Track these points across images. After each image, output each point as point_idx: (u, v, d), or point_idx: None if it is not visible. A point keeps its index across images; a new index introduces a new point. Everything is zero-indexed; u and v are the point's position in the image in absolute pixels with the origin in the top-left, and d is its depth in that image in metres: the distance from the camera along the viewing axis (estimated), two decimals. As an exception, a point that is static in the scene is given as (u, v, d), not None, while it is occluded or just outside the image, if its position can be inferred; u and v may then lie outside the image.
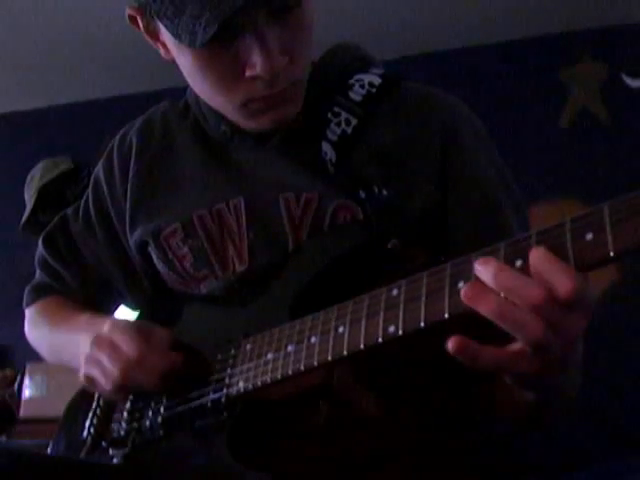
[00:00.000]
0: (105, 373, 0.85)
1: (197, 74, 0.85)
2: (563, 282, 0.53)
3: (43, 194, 2.77)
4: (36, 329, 1.08)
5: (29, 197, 2.81)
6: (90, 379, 0.88)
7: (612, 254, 0.51)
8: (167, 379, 0.84)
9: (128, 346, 0.84)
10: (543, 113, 2.59)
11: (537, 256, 0.54)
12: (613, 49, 2.56)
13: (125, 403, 0.91)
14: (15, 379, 2.57)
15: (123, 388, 0.85)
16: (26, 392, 2.47)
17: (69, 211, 1.10)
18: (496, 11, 2.48)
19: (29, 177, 2.85)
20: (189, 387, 0.84)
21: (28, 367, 2.48)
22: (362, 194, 0.85)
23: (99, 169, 1.06)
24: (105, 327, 0.88)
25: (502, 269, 0.56)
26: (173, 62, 0.88)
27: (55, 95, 2.97)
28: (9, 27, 2.48)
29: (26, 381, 2.48)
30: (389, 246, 0.82)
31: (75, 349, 0.92)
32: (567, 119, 2.58)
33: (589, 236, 0.53)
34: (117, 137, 1.05)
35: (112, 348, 0.85)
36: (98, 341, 0.87)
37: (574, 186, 2.37)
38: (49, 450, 0.99)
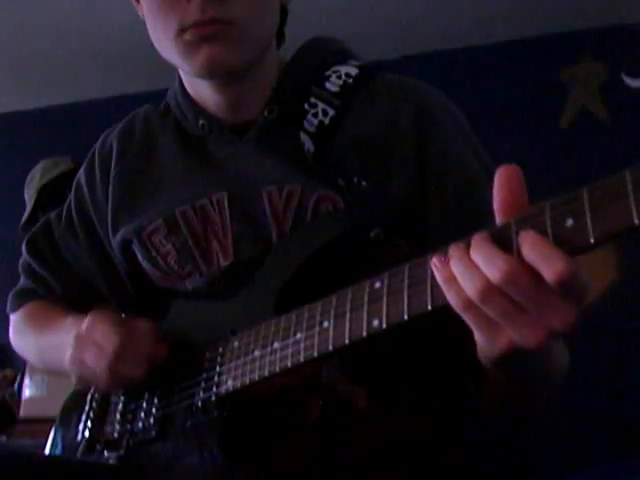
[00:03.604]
0: (93, 370, 0.85)
1: (148, 8, 0.87)
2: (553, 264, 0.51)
3: (43, 194, 2.77)
4: (21, 335, 1.08)
5: (29, 197, 2.81)
6: (82, 379, 0.88)
7: (592, 241, 0.50)
8: (153, 368, 0.84)
9: (109, 341, 0.84)
10: (543, 113, 2.59)
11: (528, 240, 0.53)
12: (613, 49, 2.56)
13: (118, 405, 0.91)
14: (15, 379, 2.57)
15: (113, 381, 0.85)
16: (26, 392, 2.47)
17: (52, 216, 1.10)
18: (496, 11, 2.48)
19: (29, 177, 2.85)
20: (179, 385, 0.85)
21: (28, 367, 2.48)
22: (342, 184, 0.85)
23: (81, 173, 1.06)
24: (84, 325, 0.88)
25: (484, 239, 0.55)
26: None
27: (55, 95, 2.97)
28: (9, 27, 2.49)
29: (26, 381, 2.48)
30: (372, 235, 0.82)
31: (60, 353, 0.92)
32: (567, 119, 2.57)
33: (569, 222, 0.51)
34: (99, 141, 1.06)
35: (94, 346, 0.85)
36: (80, 341, 0.87)
37: (574, 186, 2.36)
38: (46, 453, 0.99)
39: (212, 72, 0.86)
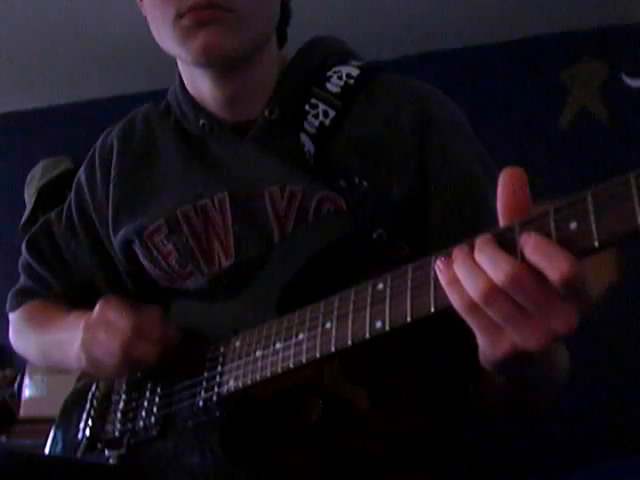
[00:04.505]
0: (106, 350, 0.85)
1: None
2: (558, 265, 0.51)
3: (43, 194, 2.78)
4: (21, 333, 1.08)
5: (29, 197, 2.82)
6: (93, 362, 0.87)
7: (597, 244, 0.50)
8: (166, 350, 0.84)
9: (122, 319, 0.84)
10: (543, 113, 2.59)
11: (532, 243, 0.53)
12: (613, 49, 2.56)
13: (119, 403, 0.91)
14: (15, 379, 2.57)
15: (126, 362, 0.84)
16: (26, 392, 2.47)
17: (52, 215, 1.10)
18: (496, 11, 2.47)
19: (29, 177, 2.86)
20: (181, 384, 0.85)
21: (28, 367, 2.48)
22: (344, 185, 0.85)
23: (81, 173, 1.06)
24: (94, 312, 0.88)
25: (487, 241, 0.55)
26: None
27: (55, 95, 2.97)
28: (9, 27, 2.48)
29: (26, 381, 2.48)
30: (374, 236, 0.82)
31: (65, 348, 0.92)
32: (567, 119, 2.57)
33: (573, 225, 0.51)
34: (99, 141, 1.06)
35: (107, 324, 0.85)
36: (92, 322, 0.87)
37: (574, 186, 2.36)
38: (46, 452, 0.99)
39: (208, 58, 0.86)
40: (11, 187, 2.92)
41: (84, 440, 0.92)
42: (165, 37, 0.88)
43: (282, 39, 0.98)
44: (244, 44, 0.87)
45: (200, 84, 0.94)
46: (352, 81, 0.93)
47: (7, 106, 3.06)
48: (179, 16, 0.84)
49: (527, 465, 2.26)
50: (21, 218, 2.79)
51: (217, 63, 0.88)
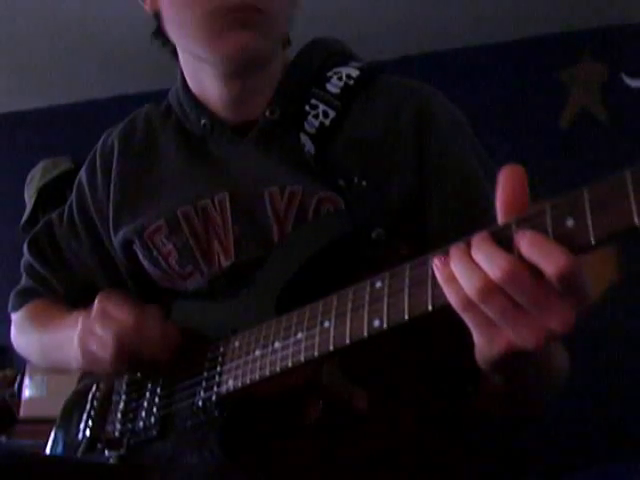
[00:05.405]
0: (101, 341, 0.84)
1: None
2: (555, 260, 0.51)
3: (43, 194, 2.78)
4: (23, 334, 1.08)
5: (29, 197, 2.82)
6: (89, 356, 0.86)
7: (593, 241, 0.50)
8: (165, 349, 0.84)
9: (121, 312, 0.84)
10: (543, 113, 2.59)
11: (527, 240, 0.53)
12: (613, 49, 2.56)
13: (119, 404, 0.91)
14: (15, 379, 2.58)
15: (122, 356, 0.83)
16: (26, 392, 2.47)
17: (54, 216, 1.10)
18: (496, 11, 2.48)
19: (29, 177, 2.86)
20: (180, 384, 0.85)
21: (28, 367, 2.48)
22: (343, 185, 0.85)
23: (82, 173, 1.06)
24: (95, 303, 0.87)
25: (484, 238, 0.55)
26: (155, 16, 0.91)
27: (55, 95, 2.97)
28: (9, 27, 2.49)
29: (26, 381, 2.48)
30: (373, 236, 0.82)
31: (65, 348, 0.91)
32: (567, 119, 2.57)
33: (570, 222, 0.51)
34: (100, 141, 1.06)
35: (104, 315, 0.85)
36: (90, 316, 0.86)
37: (574, 186, 2.36)
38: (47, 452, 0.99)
39: (241, 59, 0.86)
40: (11, 187, 2.92)
41: (84, 440, 0.92)
42: (189, 35, 0.87)
43: (285, 41, 0.98)
44: (271, 46, 0.88)
45: (207, 83, 0.94)
46: (352, 82, 0.93)
47: (7, 106, 3.07)
48: (216, 11, 0.83)
49: (527, 465, 2.26)
50: (21, 218, 2.80)
51: (246, 64, 0.88)
